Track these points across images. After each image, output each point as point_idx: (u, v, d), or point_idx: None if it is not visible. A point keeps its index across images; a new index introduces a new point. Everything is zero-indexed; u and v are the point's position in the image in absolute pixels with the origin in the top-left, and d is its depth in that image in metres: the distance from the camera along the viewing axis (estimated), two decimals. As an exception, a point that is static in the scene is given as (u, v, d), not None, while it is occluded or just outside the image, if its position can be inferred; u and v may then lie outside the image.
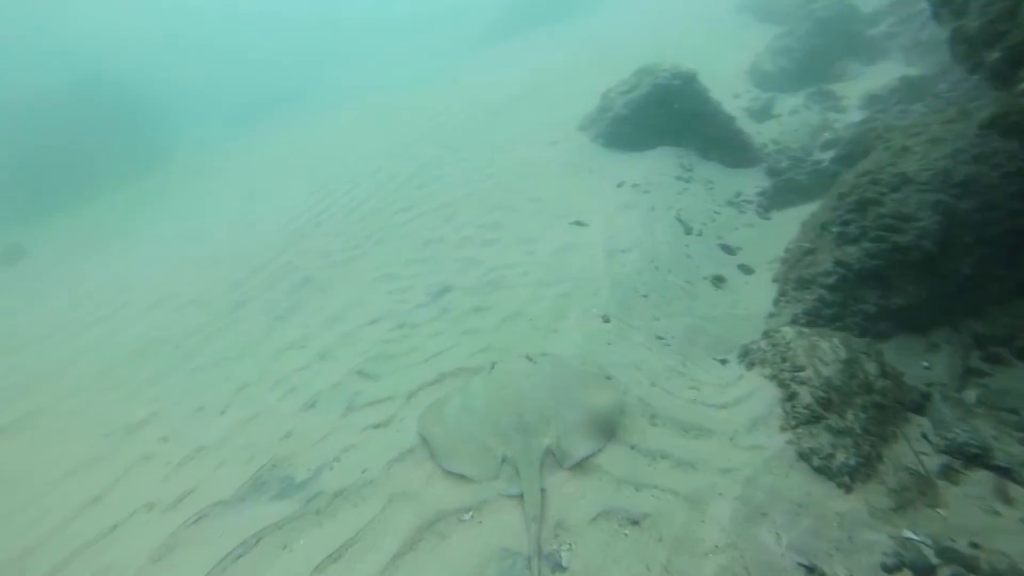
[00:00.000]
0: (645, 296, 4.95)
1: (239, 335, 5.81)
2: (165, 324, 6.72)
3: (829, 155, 6.93)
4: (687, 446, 3.31)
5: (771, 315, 4.83)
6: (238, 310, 6.40)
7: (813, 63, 9.99)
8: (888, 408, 3.44)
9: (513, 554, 2.66)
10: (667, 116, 7.75)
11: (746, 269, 5.66)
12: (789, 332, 3.90)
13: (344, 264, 6.75)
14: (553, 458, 3.10)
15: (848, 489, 3.02)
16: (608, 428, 3.30)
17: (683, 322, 4.69)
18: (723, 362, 4.25)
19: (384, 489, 3.19)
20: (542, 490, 2.94)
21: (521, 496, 2.91)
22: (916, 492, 3.02)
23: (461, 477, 3.12)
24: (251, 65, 29.00)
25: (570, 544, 2.70)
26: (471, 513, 2.95)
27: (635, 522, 2.80)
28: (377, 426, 3.77)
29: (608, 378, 3.82)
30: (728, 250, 5.99)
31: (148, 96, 22.11)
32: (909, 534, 2.76)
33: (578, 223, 6.09)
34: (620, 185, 6.83)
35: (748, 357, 4.03)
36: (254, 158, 16.34)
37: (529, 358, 3.74)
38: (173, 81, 25.25)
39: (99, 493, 3.91)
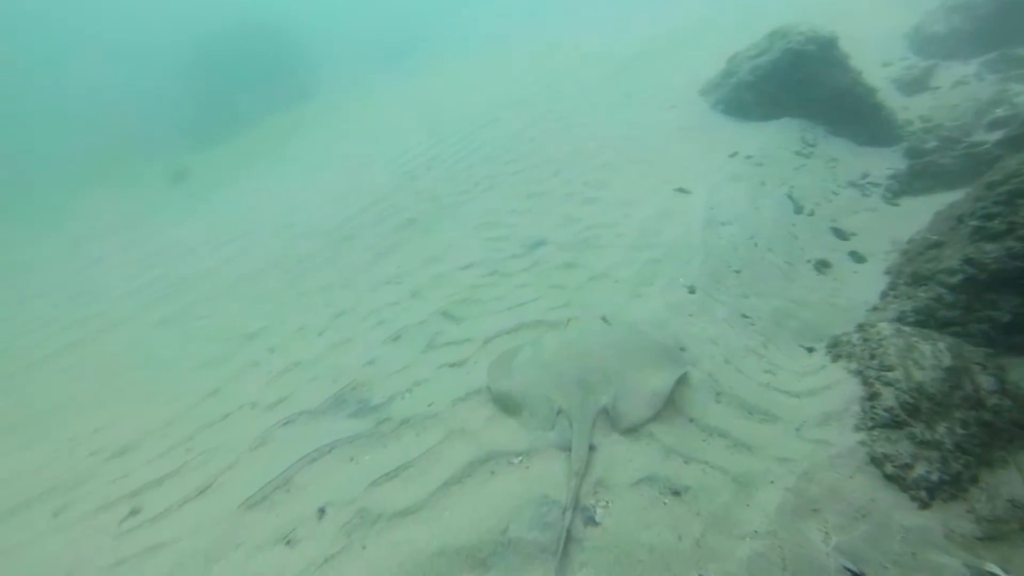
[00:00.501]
0: (738, 272, 4.60)
1: (344, 267, 6.20)
2: (283, 250, 7.35)
3: (995, 136, 5.82)
4: (748, 428, 3.10)
5: (874, 308, 4.31)
6: (346, 243, 6.81)
7: (1002, 22, 8.16)
8: (1000, 429, 2.96)
9: (551, 502, 2.68)
10: (795, 85, 6.92)
11: (857, 257, 5.05)
12: (886, 328, 3.45)
13: (450, 208, 6.89)
14: (607, 418, 3.06)
15: (923, 505, 2.69)
16: (667, 397, 3.17)
17: (773, 303, 4.32)
18: (809, 350, 3.89)
19: (446, 424, 3.31)
20: (591, 446, 2.92)
21: (570, 449, 2.91)
22: (1017, 526, 2.62)
23: (517, 423, 3.17)
24: (393, 10, 29.68)
25: (607, 502, 2.67)
26: (520, 458, 2.98)
27: (676, 493, 2.70)
28: (452, 365, 3.89)
29: (681, 349, 3.65)
30: (840, 234, 5.36)
31: (299, 40, 23.57)
32: (995, 569, 2.40)
33: (681, 190, 5.72)
34: (733, 155, 6.28)
35: (836, 349, 3.65)
36: (386, 99, 16.89)
37: (604, 320, 3.65)
38: (322, 27, 26.51)
39: (217, 387, 4.48)
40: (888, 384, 3.04)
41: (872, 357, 3.27)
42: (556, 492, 2.73)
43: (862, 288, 4.60)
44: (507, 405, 3.27)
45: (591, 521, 2.58)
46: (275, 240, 7.86)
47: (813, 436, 3.02)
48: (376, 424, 3.50)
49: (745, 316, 4.16)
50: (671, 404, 3.18)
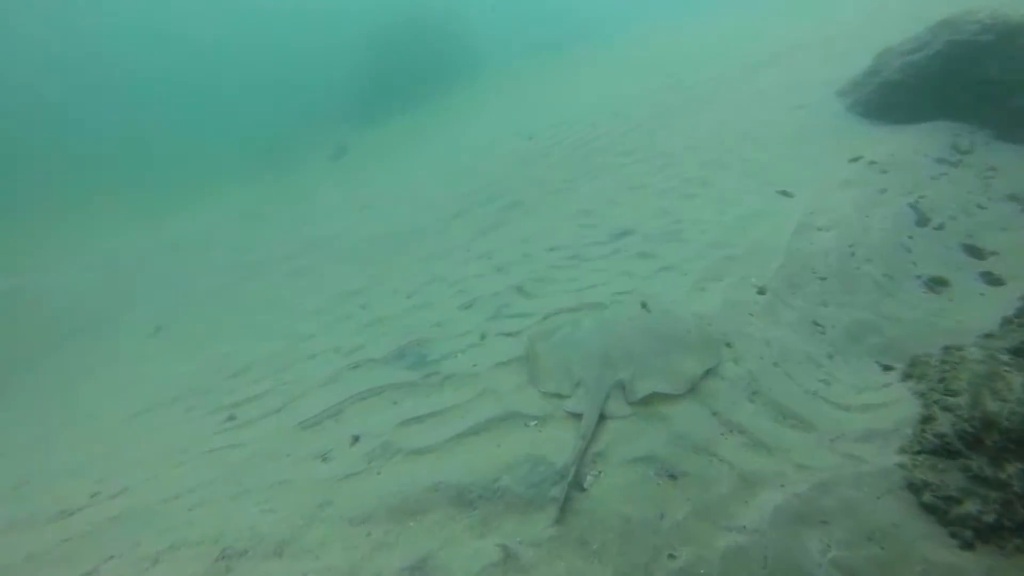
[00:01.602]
0: (823, 279, 4.24)
1: (447, 239, 6.75)
2: (403, 221, 8.12)
3: None
4: (775, 431, 2.95)
5: (987, 335, 3.72)
6: (455, 219, 7.37)
7: None
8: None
9: (548, 464, 2.81)
10: (957, 83, 6.03)
11: (991, 278, 4.35)
12: (974, 352, 3.02)
13: (554, 194, 7.13)
14: (623, 393, 3.10)
15: (964, 545, 2.39)
16: (690, 382, 3.12)
17: (856, 315, 3.93)
18: (886, 368, 3.52)
19: (482, 383, 3.59)
20: (601, 416, 2.99)
21: (581, 416, 3.01)
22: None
23: (542, 391, 3.34)
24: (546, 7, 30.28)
25: (600, 472, 2.74)
26: (536, 422, 3.15)
27: (673, 476, 2.69)
28: (508, 335, 4.15)
29: (727, 345, 3.53)
30: (974, 252, 4.64)
31: (459, 33, 25.10)
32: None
33: (784, 192, 5.34)
34: (854, 160, 5.67)
35: (912, 368, 3.27)
36: (532, 90, 17.43)
37: (644, 305, 3.65)
38: (483, 21, 27.90)
39: (314, 332, 5.22)
40: (947, 409, 2.70)
41: (941, 380, 2.91)
42: (557, 456, 2.86)
43: (982, 312, 3.99)
44: (534, 373, 3.44)
45: (578, 486, 2.68)
46: (398, 211, 8.75)
47: (846, 450, 2.79)
48: (425, 376, 3.88)
49: (817, 324, 3.85)
50: (697, 395, 3.12)
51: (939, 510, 2.47)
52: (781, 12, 16.88)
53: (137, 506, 3.43)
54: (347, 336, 4.99)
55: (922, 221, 4.88)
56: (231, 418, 4.25)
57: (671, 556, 2.36)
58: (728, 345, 3.53)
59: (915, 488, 2.54)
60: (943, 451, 2.59)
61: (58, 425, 5.63)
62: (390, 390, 3.83)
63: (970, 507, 2.44)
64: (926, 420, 2.73)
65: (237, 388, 4.75)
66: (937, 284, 4.31)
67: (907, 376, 3.21)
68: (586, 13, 27.83)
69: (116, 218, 16.97)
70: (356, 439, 3.38)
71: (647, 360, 3.20)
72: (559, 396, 3.25)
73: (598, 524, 2.50)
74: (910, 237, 4.71)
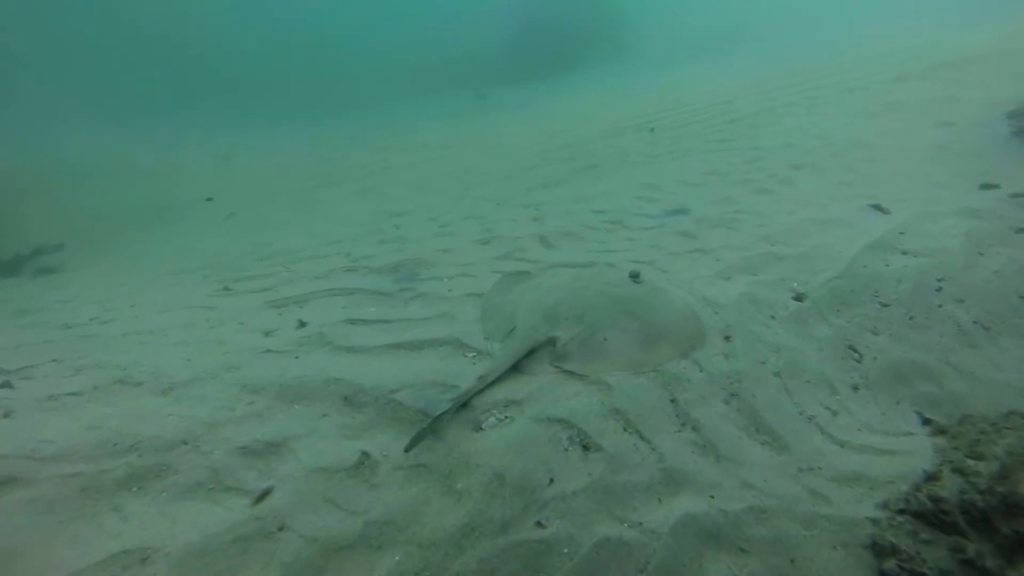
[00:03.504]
0: (884, 305, 3.46)
1: (508, 186, 6.70)
2: (475, 161, 8.08)
3: None
4: (736, 441, 2.42)
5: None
6: (528, 171, 7.17)
7: None
8: None
9: (453, 388, 2.54)
10: None
11: None
12: (1037, 421, 2.28)
13: (631, 165, 6.74)
14: (552, 351, 2.72)
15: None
16: (635, 365, 2.65)
17: (912, 355, 3.15)
18: (926, 422, 2.79)
19: (444, 307, 3.41)
20: (517, 368, 2.64)
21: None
22: None
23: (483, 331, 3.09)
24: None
25: (507, 418, 2.40)
26: (474, 355, 2.88)
27: (586, 448, 2.29)
28: (502, 273, 3.88)
29: (727, 338, 2.98)
30: (1116, 330, 3.59)
31: (614, 15, 24.47)
32: None
33: (878, 207, 4.45)
34: (987, 187, 4.61)
35: (958, 426, 2.55)
36: (668, 78, 16.51)
37: (634, 276, 3.17)
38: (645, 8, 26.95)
39: (342, 239, 5.43)
40: (959, 472, 2.03)
41: (974, 442, 2.21)
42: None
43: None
44: (483, 313, 3.18)
45: (477, 427, 2.36)
46: (481, 154, 8.76)
47: (814, 485, 2.22)
48: (401, 289, 3.72)
49: (854, 350, 3.15)
50: (662, 377, 2.65)
51: (900, 582, 1.88)
52: (970, 21, 14.64)
53: (108, 332, 3.60)
54: (366, 247, 4.98)
55: (1055, 277, 3.85)
56: (226, 289, 4.37)
57: (539, 524, 1.99)
58: (727, 339, 2.98)
59: (880, 551, 1.95)
60: (934, 519, 1.95)
61: (115, 273, 6.18)
62: (362, 294, 3.71)
63: (947, 596, 1.83)
64: (929, 478, 2.09)
65: (250, 267, 4.89)
66: (1043, 349, 3.37)
67: (941, 432, 2.50)
68: (763, 18, 25.89)
69: (272, 127, 18.42)
70: (302, 324, 3.29)
71: (597, 329, 2.76)
72: (491, 339, 2.96)
73: (473, 466, 2.17)
74: (1030, 288, 3.74)
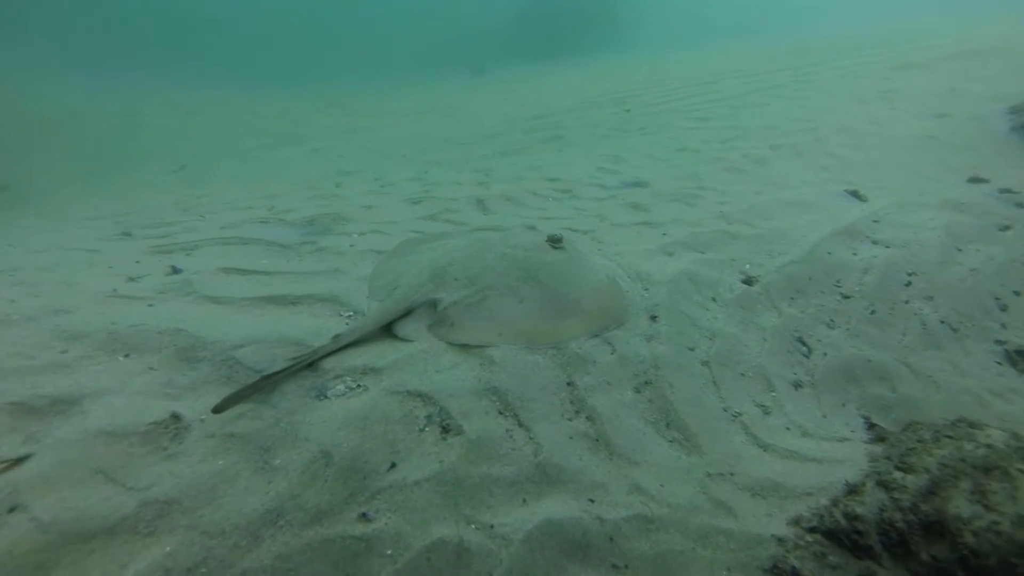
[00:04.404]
0: (844, 296, 3.08)
1: (468, 151, 6.43)
2: (440, 128, 7.72)
3: None
4: (640, 436, 2.04)
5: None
6: (491, 139, 6.88)
7: None
8: None
9: (305, 346, 2.16)
10: None
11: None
12: (995, 435, 1.89)
13: (599, 138, 6.43)
14: (432, 313, 2.33)
15: None
16: (539, 337, 2.26)
17: (868, 352, 2.78)
18: (871, 426, 2.42)
19: (337, 263, 3.09)
20: (391, 332, 2.26)
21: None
22: None
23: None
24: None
25: (358, 387, 2.01)
26: (351, 315, 2.50)
27: (446, 430, 1.90)
28: (420, 233, 3.51)
29: (652, 318, 2.59)
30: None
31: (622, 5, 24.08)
32: None
33: (855, 193, 4.06)
34: (975, 181, 4.22)
35: (901, 433, 2.17)
36: (667, 61, 16.05)
37: (554, 241, 2.75)
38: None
39: (277, 193, 4.90)
40: (883, 486, 1.66)
41: (907, 452, 1.83)
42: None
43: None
44: (376, 270, 2.82)
45: (322, 395, 1.97)
46: (447, 123, 8.36)
47: (721, 495, 1.84)
48: (303, 243, 3.37)
49: (802, 343, 2.77)
50: (561, 355, 2.26)
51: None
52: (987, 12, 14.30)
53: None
54: (295, 201, 4.56)
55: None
56: (125, 234, 3.94)
57: (364, 517, 1.61)
58: (653, 318, 2.59)
59: (778, 574, 1.57)
60: (847, 540, 1.58)
61: (38, 215, 5.74)
62: (259, 244, 3.33)
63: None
64: (850, 491, 1.71)
65: (167, 216, 4.47)
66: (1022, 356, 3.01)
67: (880, 439, 2.13)
68: (774, 11, 25.39)
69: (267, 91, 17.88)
70: (175, 271, 2.90)
71: (489, 294, 2.37)
72: (374, 298, 2.57)
73: (299, 440, 1.78)
74: (1016, 294, 3.36)
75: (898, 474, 1.65)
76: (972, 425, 2.00)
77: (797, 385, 2.55)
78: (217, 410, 1.76)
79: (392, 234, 3.44)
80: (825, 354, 2.75)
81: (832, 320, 2.96)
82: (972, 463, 1.68)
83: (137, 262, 3.06)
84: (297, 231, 3.59)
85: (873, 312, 3.04)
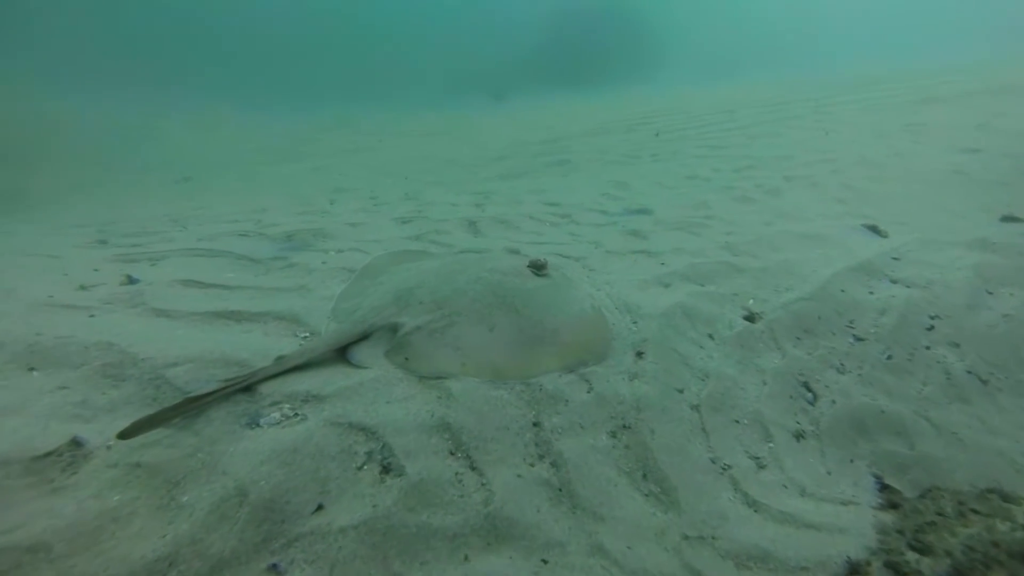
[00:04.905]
0: (858, 339, 2.84)
1: (470, 173, 6.40)
2: (456, 151, 7.67)
3: None
4: (609, 488, 1.82)
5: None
6: (496, 161, 6.80)
7: None
8: None
9: (248, 367, 1.98)
10: None
11: None
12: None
13: (607, 164, 6.38)
14: (391, 337, 2.15)
15: None
16: (507, 370, 2.07)
17: (882, 403, 2.52)
18: (883, 488, 2.16)
19: (305, 280, 2.97)
20: (346, 356, 2.08)
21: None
22: None
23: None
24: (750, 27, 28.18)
25: (296, 415, 1.82)
26: (309, 335, 2.33)
27: (386, 468, 1.70)
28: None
29: (639, 355, 2.37)
30: None
31: (646, 35, 24.34)
32: None
33: (874, 228, 3.83)
34: (1009, 220, 3.96)
35: (918, 500, 1.92)
36: (683, 87, 16.14)
37: (537, 268, 2.56)
38: (676, 29, 26.78)
39: (268, 207, 4.84)
40: (893, 568, 1.42)
41: (924, 527, 1.58)
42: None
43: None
44: (344, 291, 2.68)
45: (253, 423, 1.78)
46: (459, 143, 8.33)
47: (697, 562, 1.61)
48: (276, 257, 3.26)
49: (808, 388, 2.53)
50: (530, 391, 2.06)
51: None
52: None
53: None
54: (283, 216, 4.50)
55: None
56: (101, 242, 3.86)
57: (274, 567, 1.41)
58: (639, 355, 2.38)
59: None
60: (849, 638, 1.33)
61: (31, 223, 5.75)
62: (228, 257, 3.22)
63: None
64: (852, 571, 1.46)
65: (151, 225, 4.40)
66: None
67: (893, 505, 1.87)
68: (798, 43, 25.50)
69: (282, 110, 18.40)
70: (131, 281, 2.77)
71: (456, 320, 2.18)
72: (336, 319, 2.42)
73: (216, 474, 1.59)
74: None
75: (912, 555, 1.41)
76: (1006, 498, 1.76)
77: (799, 436, 2.30)
78: (124, 435, 1.58)
79: (371, 252, 3.31)
80: (833, 402, 2.50)
81: (843, 364, 2.71)
82: (1008, 549, 1.43)
83: (96, 270, 2.93)
84: (274, 246, 3.47)
85: (890, 357, 2.78)
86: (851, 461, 2.27)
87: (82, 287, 2.68)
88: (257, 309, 2.46)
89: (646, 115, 9.94)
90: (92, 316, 2.34)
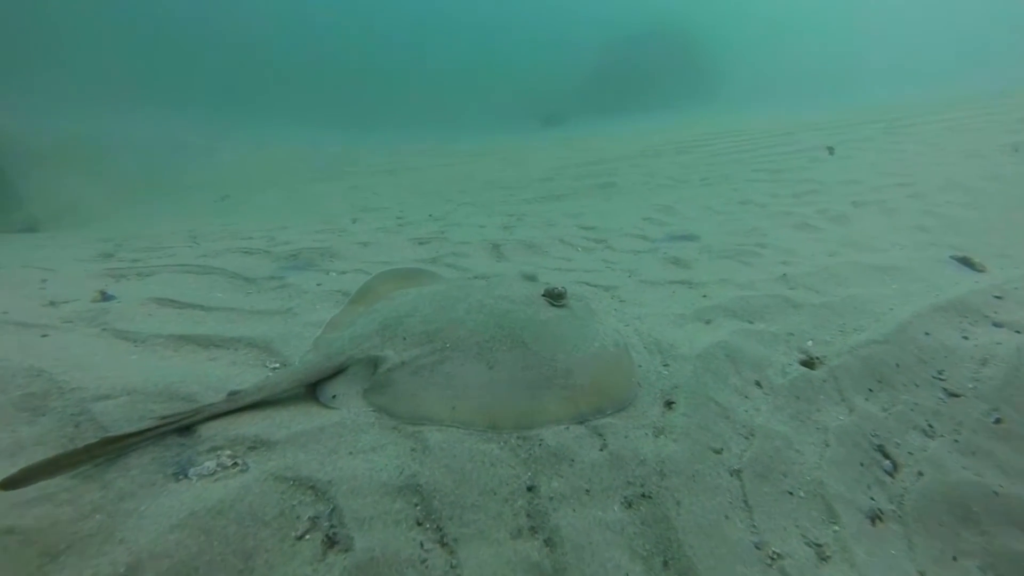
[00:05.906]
0: (953, 395, 2.34)
1: (510, 194, 6.35)
2: (498, 172, 7.54)
3: None
4: (610, 571, 1.43)
5: None
6: (541, 182, 6.92)
7: None
8: None
9: (194, 402, 1.73)
10: None
11: None
12: None
13: (655, 188, 6.11)
14: (371, 373, 1.85)
15: None
16: (503, 419, 1.73)
17: (988, 480, 2.03)
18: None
19: (295, 303, 2.78)
20: (315, 393, 1.81)
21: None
22: None
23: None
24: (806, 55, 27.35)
25: (235, 464, 1.54)
26: (279, 365, 2.09)
27: (332, 540, 1.39)
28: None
29: (668, 404, 1.99)
30: None
31: (704, 57, 24.04)
32: None
33: (966, 261, 3.30)
34: None
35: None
36: (746, 116, 15.64)
37: (554, 296, 2.22)
38: (742, 50, 26.41)
39: (287, 225, 4.74)
40: None
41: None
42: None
43: None
44: (334, 317, 2.46)
45: (182, 473, 1.53)
46: (503, 164, 8.30)
47: None
48: (272, 277, 3.11)
49: (883, 453, 2.07)
50: (528, 445, 1.72)
51: None
52: None
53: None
54: (300, 233, 4.45)
55: None
56: (105, 256, 3.82)
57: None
58: (669, 404, 2.00)
59: None
60: None
61: (63, 237, 5.91)
62: (219, 275, 3.04)
63: None
64: None
65: (164, 243, 4.38)
66: None
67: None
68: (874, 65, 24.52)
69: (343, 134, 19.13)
70: (105, 297, 2.61)
71: (448, 356, 1.86)
72: (317, 348, 2.16)
73: (110, 544, 1.31)
74: None
75: None
76: None
77: (875, 517, 1.85)
78: (10, 484, 1.32)
79: (365, 272, 3.12)
80: (921, 473, 2.03)
81: (931, 426, 2.23)
82: None
83: (78, 286, 2.81)
84: (274, 264, 3.31)
85: (998, 421, 2.28)
86: (953, 559, 1.80)
87: (51, 303, 2.54)
88: (231, 334, 2.23)
89: (698, 137, 9.66)
90: (44, 336, 2.16)
